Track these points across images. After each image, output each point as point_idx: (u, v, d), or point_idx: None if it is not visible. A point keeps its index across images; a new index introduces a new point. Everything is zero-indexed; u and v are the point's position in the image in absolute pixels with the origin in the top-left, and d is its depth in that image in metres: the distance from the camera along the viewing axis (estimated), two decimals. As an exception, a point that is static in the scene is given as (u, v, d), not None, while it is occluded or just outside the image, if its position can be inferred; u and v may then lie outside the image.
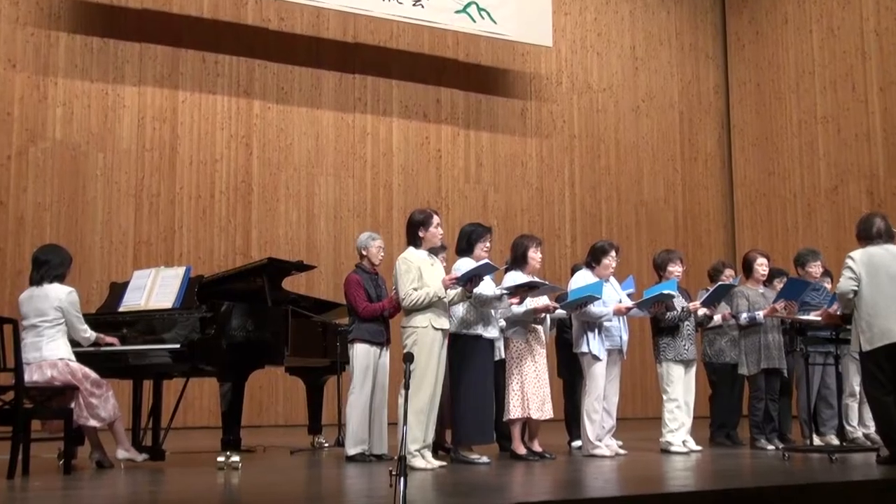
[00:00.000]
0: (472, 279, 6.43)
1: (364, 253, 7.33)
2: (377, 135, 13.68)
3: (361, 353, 6.97)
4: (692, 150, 16.17)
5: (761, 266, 8.28)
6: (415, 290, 6.34)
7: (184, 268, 6.91)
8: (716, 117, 16.43)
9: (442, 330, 6.41)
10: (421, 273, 6.39)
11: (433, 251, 6.69)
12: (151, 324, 6.63)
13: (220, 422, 6.54)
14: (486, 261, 6.55)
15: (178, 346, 6.39)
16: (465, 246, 7.07)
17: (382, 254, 7.40)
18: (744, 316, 8.03)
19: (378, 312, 7.04)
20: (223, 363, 6.42)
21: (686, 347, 7.81)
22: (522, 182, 14.64)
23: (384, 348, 7.13)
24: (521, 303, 7.04)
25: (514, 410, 7.10)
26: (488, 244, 7.08)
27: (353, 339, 7.02)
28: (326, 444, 8.69)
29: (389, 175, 13.68)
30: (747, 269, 8.34)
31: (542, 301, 7.27)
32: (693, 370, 7.94)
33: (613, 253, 7.58)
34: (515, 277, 7.13)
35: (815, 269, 8.42)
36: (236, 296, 6.98)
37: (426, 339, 6.32)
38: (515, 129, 14.72)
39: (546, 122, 14.99)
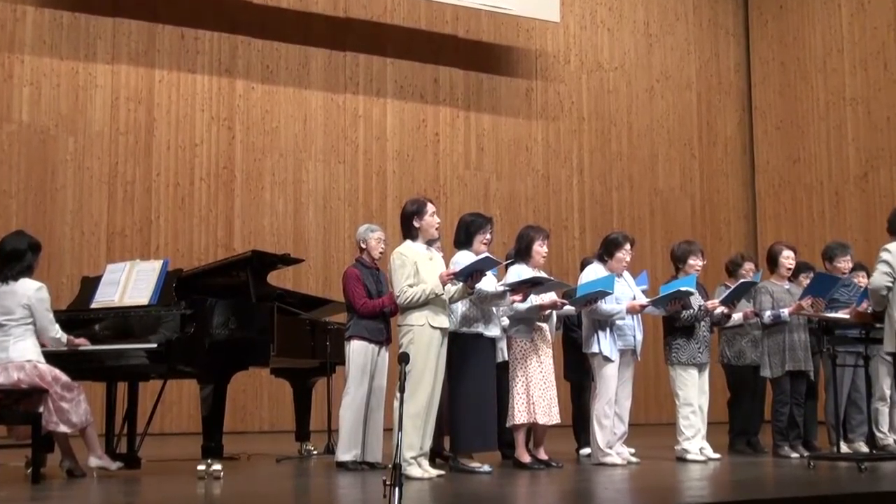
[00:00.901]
0: (472, 274, 6.42)
1: (363, 246, 7.34)
2: (370, 117, 13.67)
3: (358, 352, 6.97)
4: (711, 134, 16.16)
5: (787, 260, 8.28)
6: (410, 286, 6.34)
7: (161, 261, 6.90)
8: (736, 98, 16.42)
9: (440, 329, 6.41)
10: (417, 268, 6.38)
11: (430, 243, 6.68)
12: (126, 322, 6.62)
13: (200, 427, 6.54)
14: (488, 254, 6.54)
15: (154, 345, 6.38)
16: (463, 238, 7.05)
17: (383, 247, 7.41)
18: (768, 314, 8.04)
19: (377, 309, 7.04)
20: (204, 364, 6.41)
21: (700, 350, 7.81)
22: (527, 168, 14.64)
23: (383, 347, 7.12)
24: (524, 299, 7.03)
25: (519, 415, 7.10)
26: (489, 236, 7.07)
27: (350, 336, 7.02)
28: (315, 452, 8.69)
29: (383, 161, 13.67)
30: (772, 262, 8.34)
31: (548, 297, 7.27)
32: (706, 373, 7.94)
33: (628, 246, 7.57)
34: (519, 272, 7.13)
35: (845, 263, 8.42)
36: (218, 291, 6.97)
37: (423, 338, 6.32)
38: (519, 111, 14.71)
39: (553, 103, 14.98)
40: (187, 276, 7.06)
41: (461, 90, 14.30)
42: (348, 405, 6.93)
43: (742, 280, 8.21)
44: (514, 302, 7.02)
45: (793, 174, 15.62)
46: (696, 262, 7.92)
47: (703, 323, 7.86)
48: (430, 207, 6.59)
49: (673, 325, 7.86)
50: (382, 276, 7.35)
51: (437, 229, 6.65)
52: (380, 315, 7.08)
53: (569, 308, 7.47)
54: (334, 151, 13.40)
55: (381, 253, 7.40)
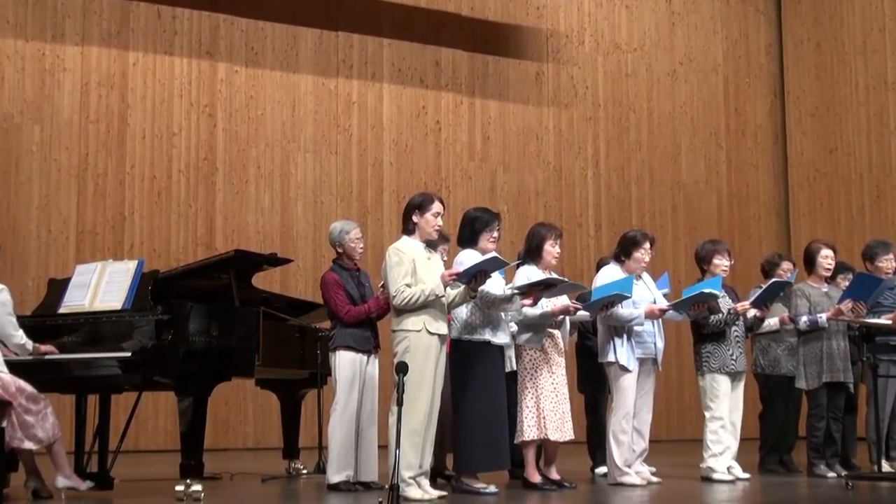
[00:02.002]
0: (477, 275, 6.39)
1: (339, 249, 7.27)
2: (364, 104, 13.66)
3: (345, 363, 6.95)
4: (739, 121, 16.14)
5: (826, 259, 8.25)
6: (407, 286, 6.32)
7: (135, 261, 6.89)
8: (767, 83, 16.41)
9: (438, 335, 6.39)
10: (415, 267, 6.36)
11: (431, 244, 6.66)
12: (97, 328, 6.62)
13: (178, 444, 6.53)
14: (495, 254, 6.51)
15: (128, 354, 6.37)
16: (468, 235, 7.02)
17: (362, 245, 7.35)
18: (803, 319, 8.01)
19: (364, 316, 7.01)
20: (182, 374, 6.40)
21: (734, 357, 7.79)
22: (537, 160, 14.62)
23: (372, 356, 7.10)
24: (535, 304, 7.01)
25: (529, 431, 7.09)
26: (496, 233, 7.04)
27: (336, 346, 7.00)
28: (305, 471, 8.68)
29: (379, 152, 13.66)
30: (809, 262, 8.31)
31: (560, 301, 7.25)
32: (741, 384, 7.93)
33: (647, 245, 7.55)
34: (529, 273, 7.12)
35: (887, 263, 8.39)
36: (198, 295, 6.96)
37: (420, 345, 6.30)
38: (529, 96, 14.69)
39: (565, 88, 14.96)
40: (164, 278, 7.05)
41: (465, 74, 14.29)
42: (338, 421, 6.90)
43: (775, 279, 8.17)
44: (524, 307, 7.00)
45: (829, 165, 15.59)
46: (721, 263, 7.89)
47: (735, 327, 7.84)
48: (436, 206, 6.52)
49: (701, 331, 7.84)
50: (365, 278, 7.31)
51: (438, 229, 6.61)
52: (366, 321, 7.05)
53: (582, 313, 7.46)
54: (325, 141, 13.39)
55: (361, 251, 7.33)
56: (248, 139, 12.99)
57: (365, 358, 7.03)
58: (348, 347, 6.96)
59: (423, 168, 13.85)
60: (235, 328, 6.68)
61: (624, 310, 7.28)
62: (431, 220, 6.51)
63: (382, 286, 6.99)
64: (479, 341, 6.81)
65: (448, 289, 6.44)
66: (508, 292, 6.82)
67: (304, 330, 8.03)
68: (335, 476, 6.88)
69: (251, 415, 12.47)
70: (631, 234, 7.68)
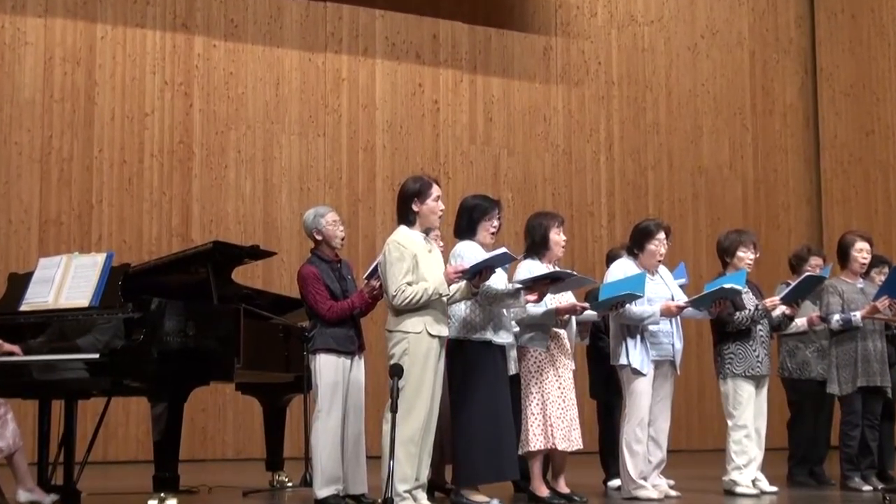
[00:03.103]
0: (480, 272, 6.40)
1: (317, 237, 7.21)
2: (355, 81, 13.66)
3: (327, 367, 6.91)
4: (766, 101, 16.14)
5: (861, 253, 8.27)
6: (409, 284, 6.32)
7: (104, 254, 6.90)
8: (797, 58, 16.40)
9: (439, 337, 6.40)
10: (417, 262, 6.36)
11: (427, 232, 6.66)
12: (62, 327, 6.63)
13: (151, 454, 6.54)
14: (504, 249, 6.48)
15: (96, 355, 6.38)
16: (465, 225, 7.03)
17: (342, 231, 7.29)
18: (836, 318, 8.03)
19: (347, 313, 6.96)
20: (155, 378, 6.42)
21: (759, 359, 7.80)
22: (545, 143, 14.63)
23: (356, 358, 7.07)
24: (540, 300, 7.00)
25: (535, 440, 7.11)
26: (496, 222, 7.05)
27: (316, 348, 6.95)
28: (290, 484, 8.70)
29: (371, 134, 13.66)
30: (842, 256, 8.33)
31: (566, 299, 7.26)
32: (765, 388, 7.95)
33: (662, 235, 7.56)
34: (532, 267, 7.13)
35: (927, 256, 8.42)
36: (172, 291, 6.97)
37: (420, 348, 6.30)
38: (536, 73, 14.69)
39: (576, 64, 14.96)
40: (136, 273, 7.06)
41: (465, 48, 14.29)
42: (322, 431, 6.85)
43: (807, 273, 8.18)
44: (528, 303, 7.00)
45: (865, 149, 15.59)
46: (746, 255, 7.89)
47: (760, 326, 7.84)
48: (435, 190, 6.53)
49: (724, 330, 7.85)
50: (347, 269, 7.24)
51: (440, 218, 6.61)
52: (349, 319, 7.02)
53: (590, 313, 7.46)
54: (312, 122, 13.40)
55: (341, 238, 7.28)
56: (228, 120, 12.99)
57: (348, 361, 6.98)
58: (330, 350, 6.89)
59: (419, 152, 13.85)
60: (214, 327, 6.69)
61: (638, 307, 7.28)
62: (434, 206, 6.50)
63: (367, 278, 6.99)
64: (480, 341, 6.83)
65: (452, 287, 6.45)
66: (512, 287, 6.82)
67: (288, 329, 8.03)
68: (323, 490, 6.87)
69: (231, 422, 12.48)
70: (643, 224, 7.67)
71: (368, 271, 7.12)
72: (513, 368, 7.31)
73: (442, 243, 7.26)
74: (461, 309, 6.83)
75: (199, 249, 7.63)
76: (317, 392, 6.94)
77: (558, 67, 14.86)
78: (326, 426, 6.86)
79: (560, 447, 7.09)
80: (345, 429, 6.95)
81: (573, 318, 7.40)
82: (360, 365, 7.07)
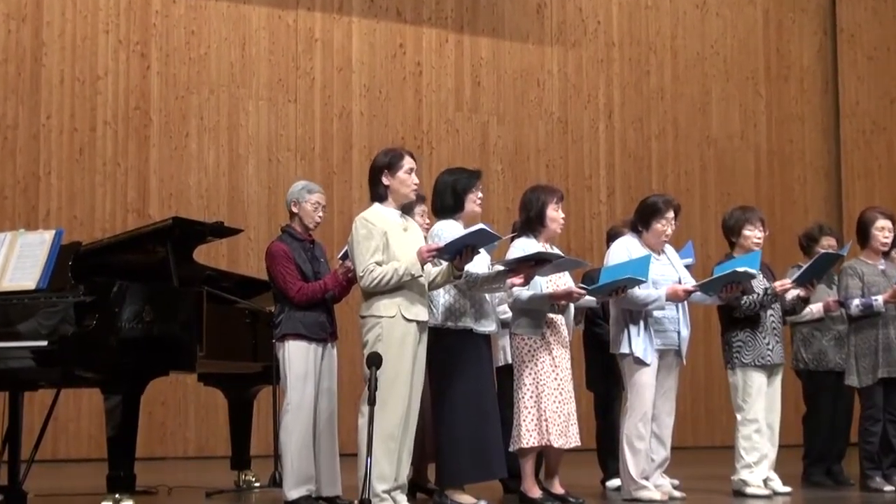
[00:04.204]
0: (462, 251, 6.38)
1: (294, 209, 7.23)
2: (329, 41, 13.62)
3: (297, 355, 6.91)
4: (781, 64, 16.15)
5: (882, 231, 8.28)
6: (378, 264, 6.33)
7: (52, 232, 6.88)
8: (815, 17, 16.41)
9: (417, 322, 6.41)
10: (388, 240, 6.37)
11: (405, 209, 6.66)
12: (6, 312, 6.60)
13: (105, 452, 6.54)
14: (482, 225, 6.46)
15: (44, 343, 6.38)
16: (450, 201, 7.03)
17: (321, 214, 7.31)
18: (855, 302, 8.05)
19: (318, 295, 6.96)
20: (109, 368, 6.41)
21: (770, 347, 7.82)
22: (538, 110, 14.62)
23: (328, 345, 7.08)
24: (525, 283, 6.99)
25: (528, 436, 7.11)
26: (481, 194, 7.07)
27: (284, 334, 6.96)
28: (258, 484, 8.71)
29: (347, 99, 13.63)
30: (862, 234, 8.34)
31: (562, 282, 7.27)
32: (779, 379, 7.97)
33: (671, 213, 7.55)
34: (527, 246, 7.12)
35: (956, 235, 8.44)
36: (128, 272, 6.96)
37: (394, 333, 6.31)
38: (529, 33, 14.67)
39: (572, 23, 14.95)
40: (88, 252, 7.04)
41: (451, 5, 14.26)
42: (292, 425, 6.85)
43: (824, 251, 8.18)
44: (513, 287, 7.00)
45: (889, 118, 15.62)
46: (753, 234, 7.88)
47: (771, 312, 7.86)
48: (407, 161, 6.54)
49: (731, 315, 7.87)
50: (320, 251, 7.26)
51: (414, 191, 6.61)
52: (321, 303, 7.03)
53: (588, 299, 7.46)
54: (282, 86, 13.36)
55: (317, 222, 7.29)
56: (189, 84, 12.94)
57: (320, 349, 7.00)
58: (299, 336, 6.91)
59: (399, 119, 13.82)
60: (174, 312, 6.69)
61: (641, 291, 7.29)
62: (406, 178, 6.52)
63: (341, 259, 6.99)
64: (461, 330, 6.84)
65: (427, 267, 6.45)
66: (495, 270, 6.82)
67: (256, 314, 8.04)
68: (294, 491, 6.88)
69: (193, 417, 12.48)
70: (651, 200, 7.67)
71: (343, 251, 7.12)
72: (504, 358, 7.31)
73: (427, 223, 7.26)
74: (440, 295, 6.83)
75: (157, 226, 7.61)
76: (286, 383, 6.94)
77: (553, 26, 14.83)
78: (297, 420, 6.86)
79: (556, 444, 7.09)
80: (317, 424, 6.96)
81: (570, 303, 7.40)
82: (332, 354, 7.08)
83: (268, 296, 8.35)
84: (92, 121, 12.50)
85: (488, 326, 6.99)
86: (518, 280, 6.91)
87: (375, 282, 6.29)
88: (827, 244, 8.79)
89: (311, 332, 6.93)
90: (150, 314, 6.53)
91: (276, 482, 8.13)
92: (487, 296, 6.97)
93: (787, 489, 7.87)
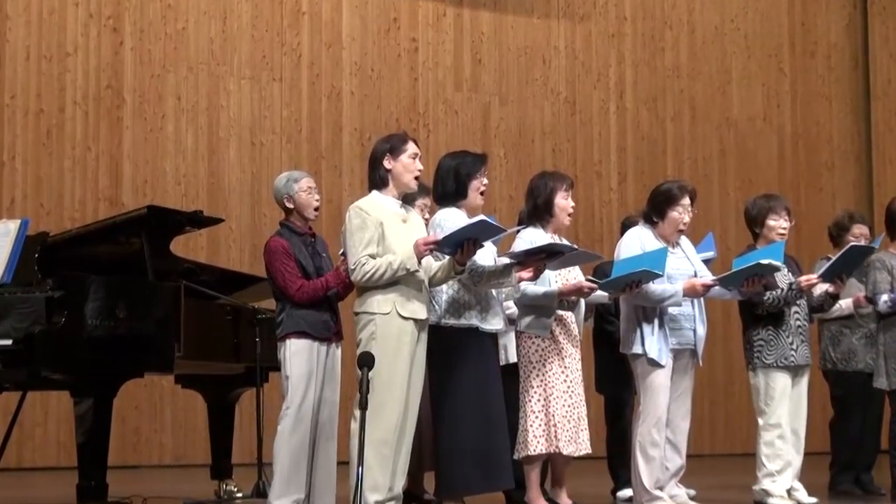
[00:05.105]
0: (464, 245, 6.38)
1: (288, 204, 7.21)
2: (317, 15, 13.62)
3: (300, 354, 6.89)
4: (807, 40, 16.15)
5: (914, 222, 8.31)
6: (371, 256, 6.33)
7: (17, 221, 6.88)
8: (844, -11, 16.43)
9: (414, 319, 6.41)
10: (384, 231, 6.36)
11: (406, 201, 6.65)
12: (-32, 308, 6.62)
13: (74, 460, 6.54)
14: (483, 216, 6.44)
15: (9, 342, 6.38)
16: (451, 188, 7.00)
17: (317, 201, 7.29)
18: (884, 298, 8.06)
19: (321, 293, 6.96)
20: (80, 369, 6.42)
21: (794, 347, 7.82)
22: (544, 90, 14.62)
23: (333, 345, 7.09)
24: (535, 277, 7.00)
25: (535, 443, 7.12)
26: (486, 180, 7.06)
27: (286, 333, 6.96)
28: (240, 494, 8.71)
29: (337, 78, 13.63)
30: (892, 225, 8.35)
31: (571, 276, 7.26)
32: (804, 381, 7.96)
33: (686, 201, 7.54)
34: (534, 237, 7.12)
35: None
36: (100, 265, 6.96)
37: (390, 331, 6.31)
38: (533, 6, 14.67)
39: (581, -5, 14.96)
40: (55, 244, 7.05)
41: (449, -24, 14.27)
42: (289, 431, 6.84)
43: (853, 244, 8.19)
44: (521, 281, 7.01)
45: (924, 98, 15.63)
46: (778, 224, 7.87)
47: (796, 309, 7.86)
48: (410, 147, 6.53)
49: (753, 313, 7.86)
50: (322, 245, 7.24)
51: (417, 179, 6.60)
52: (324, 300, 7.04)
53: (599, 294, 7.46)
54: (266, 64, 13.36)
55: (316, 210, 7.28)
56: (165, 61, 12.93)
57: (324, 348, 7.00)
58: (302, 334, 6.90)
59: (393, 100, 13.82)
60: (149, 309, 6.70)
61: (656, 286, 7.28)
62: (409, 163, 6.50)
63: (343, 254, 7.00)
64: (465, 328, 6.82)
65: (428, 261, 6.45)
66: (502, 263, 6.80)
67: (238, 311, 8.04)
68: (280, 499, 6.88)
69: (169, 422, 12.49)
70: (664, 186, 7.65)
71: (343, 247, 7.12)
72: (509, 357, 7.32)
73: (428, 216, 7.26)
74: (443, 290, 6.81)
75: (130, 216, 7.62)
76: (286, 385, 6.91)
77: (561, 0, 14.85)
78: (297, 425, 6.84)
79: (565, 451, 7.11)
80: (316, 430, 6.95)
81: (581, 299, 7.40)
82: (336, 355, 7.06)
83: (251, 290, 8.37)
84: (60, 101, 12.49)
85: (495, 324, 6.94)
86: (527, 274, 6.89)
87: (367, 276, 6.29)
88: (858, 233, 8.79)
89: (314, 330, 6.91)
90: (124, 311, 6.54)
91: (260, 492, 8.14)
92: (494, 291, 6.95)
93: (814, 500, 7.87)
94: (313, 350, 6.91)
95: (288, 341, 6.89)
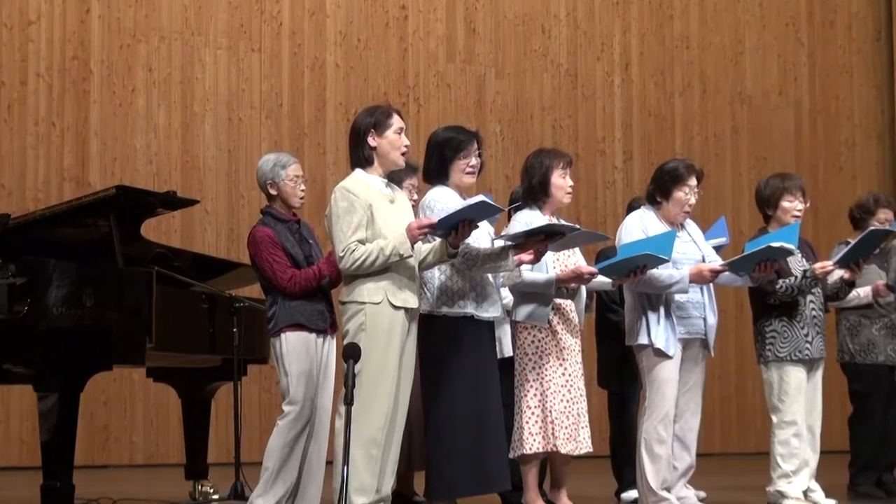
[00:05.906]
0: (458, 226, 6.38)
1: (272, 191, 7.21)
2: (300, -20, 13.63)
3: (299, 348, 6.87)
4: (826, 8, 16.16)
5: (937, 206, 8.34)
6: (360, 242, 6.32)
7: (-24, 203, 6.90)
8: (866, -46, 16.44)
9: (406, 309, 6.41)
10: (372, 214, 6.36)
11: (394, 178, 6.65)
12: (-77, 296, 6.63)
13: (38, 459, 6.55)
14: (483, 196, 6.45)
15: (-33, 333, 6.40)
16: (435, 165, 7.02)
17: (302, 191, 7.29)
18: (907, 286, 8.10)
19: (313, 283, 6.95)
20: (43, 361, 6.42)
21: (809, 339, 7.84)
22: (543, 61, 14.62)
23: (328, 337, 7.10)
24: (536, 260, 7.00)
25: (531, 441, 7.15)
26: (473, 160, 7.03)
27: (281, 327, 6.95)
28: (216, 496, 8.73)
29: (321, 49, 13.62)
30: (917, 207, 8.39)
31: (571, 262, 7.28)
32: (819, 375, 7.98)
33: (693, 181, 7.55)
34: (529, 219, 7.13)
35: None
36: (65, 249, 6.96)
37: (380, 322, 6.31)
38: (532, -29, 14.68)
39: (583, -40, 14.96)
40: (17, 227, 7.05)
41: (442, -61, 14.27)
42: (287, 429, 6.86)
43: (872, 228, 8.21)
44: (520, 265, 7.01)
45: (952, 71, 15.66)
46: (793, 206, 7.89)
47: (811, 298, 7.88)
48: (395, 121, 6.50)
49: (765, 302, 7.88)
50: (308, 231, 7.24)
51: (405, 156, 6.59)
52: (317, 290, 7.03)
53: (601, 280, 7.47)
54: (244, 33, 13.35)
55: (301, 197, 7.27)
56: (136, 30, 12.92)
57: (320, 340, 7.00)
58: (298, 327, 6.89)
59: (381, 72, 13.82)
60: (118, 296, 6.70)
61: (662, 271, 7.28)
62: (395, 139, 6.47)
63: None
64: (459, 316, 6.83)
65: (418, 245, 6.44)
66: (499, 245, 6.79)
67: (214, 299, 8.04)
68: (262, 498, 6.87)
69: (141, 418, 12.50)
70: (669, 165, 7.63)
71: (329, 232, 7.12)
72: (504, 351, 7.33)
73: (416, 197, 7.26)
74: (435, 276, 6.81)
75: (98, 197, 7.59)
76: (285, 382, 6.89)
77: (561, -36, 14.85)
78: (296, 424, 6.85)
79: (563, 450, 7.13)
80: (310, 429, 6.95)
81: (582, 286, 7.42)
82: (331, 347, 7.08)
83: (229, 277, 8.38)
84: (22, 73, 12.47)
85: (492, 312, 6.94)
86: (528, 257, 6.88)
87: (358, 263, 6.27)
88: (884, 218, 8.78)
89: (310, 321, 6.92)
90: (91, 299, 6.53)
91: (238, 494, 8.14)
92: (490, 276, 6.95)
93: (832, 501, 7.90)
94: (311, 343, 6.91)
95: (283, 335, 6.88)
